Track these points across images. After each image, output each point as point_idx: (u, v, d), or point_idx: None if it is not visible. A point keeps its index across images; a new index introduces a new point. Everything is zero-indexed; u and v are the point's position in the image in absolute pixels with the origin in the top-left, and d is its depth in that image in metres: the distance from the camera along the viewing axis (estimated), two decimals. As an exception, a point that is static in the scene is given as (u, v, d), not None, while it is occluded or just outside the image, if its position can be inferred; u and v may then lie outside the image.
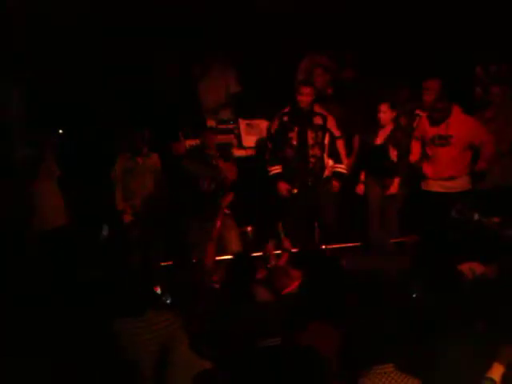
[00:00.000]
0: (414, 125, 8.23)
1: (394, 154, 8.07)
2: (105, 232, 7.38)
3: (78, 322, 4.92)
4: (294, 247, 7.00)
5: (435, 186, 7.95)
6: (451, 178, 7.86)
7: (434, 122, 7.88)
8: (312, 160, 8.14)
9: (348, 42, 9.35)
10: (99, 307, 5.15)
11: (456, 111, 7.86)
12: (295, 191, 8.10)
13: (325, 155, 8.19)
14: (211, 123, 7.47)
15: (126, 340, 4.73)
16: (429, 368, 4.43)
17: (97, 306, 5.20)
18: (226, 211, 7.58)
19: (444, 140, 7.82)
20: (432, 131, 7.87)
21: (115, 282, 5.45)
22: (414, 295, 5.32)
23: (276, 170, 8.20)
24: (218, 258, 6.82)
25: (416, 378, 4.16)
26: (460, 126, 7.81)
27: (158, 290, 5.67)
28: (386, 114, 8.03)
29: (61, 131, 8.04)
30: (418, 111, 8.31)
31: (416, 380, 4.15)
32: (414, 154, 8.06)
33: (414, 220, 7.94)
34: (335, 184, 8.21)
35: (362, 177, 8.28)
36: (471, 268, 5.63)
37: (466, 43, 9.01)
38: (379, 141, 8.11)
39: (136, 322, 4.81)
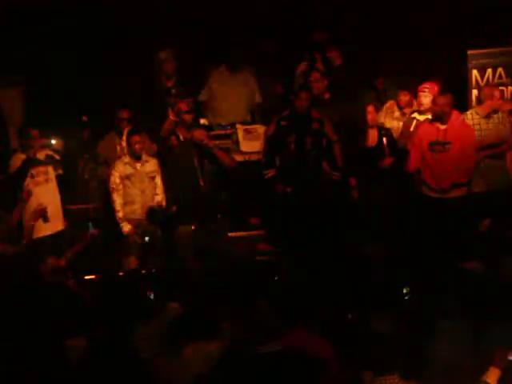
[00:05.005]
0: (411, 128, 8.23)
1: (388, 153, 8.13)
2: (92, 232, 7.39)
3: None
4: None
5: (431, 192, 7.94)
6: (450, 190, 7.86)
7: (434, 121, 7.89)
8: (310, 165, 8.18)
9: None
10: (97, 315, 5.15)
11: (454, 116, 7.88)
12: (289, 190, 8.13)
13: (323, 160, 8.23)
14: (204, 121, 7.54)
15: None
16: (424, 370, 4.46)
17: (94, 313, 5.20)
18: (219, 216, 7.63)
19: (442, 146, 7.83)
20: (431, 136, 7.86)
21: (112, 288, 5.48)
22: (406, 297, 5.36)
23: (271, 172, 8.24)
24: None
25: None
26: (457, 131, 7.83)
27: (151, 295, 5.69)
28: (372, 114, 8.12)
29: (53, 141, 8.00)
30: (414, 114, 8.33)
31: None
32: (414, 162, 7.98)
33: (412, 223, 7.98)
34: (327, 190, 8.21)
35: (353, 183, 8.26)
36: (474, 267, 5.69)
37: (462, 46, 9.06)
38: (371, 142, 8.16)
39: (139, 333, 4.82)
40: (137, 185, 7.93)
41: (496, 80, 8.83)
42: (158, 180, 8.02)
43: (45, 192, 7.73)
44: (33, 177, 7.67)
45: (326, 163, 8.25)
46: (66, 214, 7.96)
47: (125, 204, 7.91)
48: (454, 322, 4.72)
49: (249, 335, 4.52)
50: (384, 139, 8.18)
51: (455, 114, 7.90)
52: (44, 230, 7.69)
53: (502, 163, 8.15)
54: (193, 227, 7.60)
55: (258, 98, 9.33)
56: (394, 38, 9.47)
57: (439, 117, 7.81)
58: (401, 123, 8.53)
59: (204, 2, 9.29)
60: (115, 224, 7.87)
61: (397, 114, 8.73)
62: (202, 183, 7.77)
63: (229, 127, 8.99)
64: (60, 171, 7.84)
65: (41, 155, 7.77)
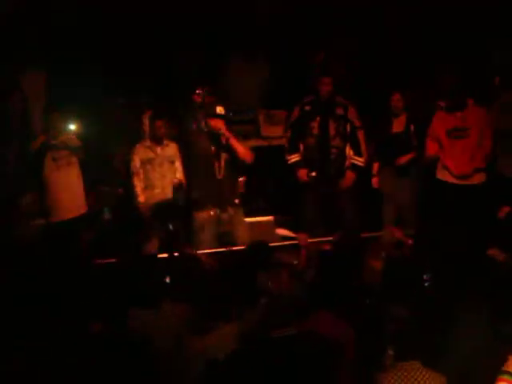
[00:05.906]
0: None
1: (414, 141, 8.08)
2: (106, 216, 7.40)
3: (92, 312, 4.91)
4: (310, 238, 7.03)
5: (452, 178, 7.91)
6: (471, 175, 7.83)
7: (450, 110, 7.84)
8: (334, 150, 8.17)
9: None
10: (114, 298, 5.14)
11: (470, 103, 7.85)
12: (313, 174, 8.13)
13: (347, 146, 8.20)
14: (220, 110, 7.53)
15: (141, 332, 4.72)
16: (443, 359, 4.42)
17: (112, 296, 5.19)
18: (236, 201, 7.61)
19: (461, 132, 7.80)
20: (448, 124, 7.83)
21: (130, 271, 5.48)
22: (426, 284, 5.33)
23: (295, 158, 8.24)
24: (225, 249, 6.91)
25: (442, 375, 4.13)
26: (475, 117, 7.82)
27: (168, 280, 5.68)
28: (399, 102, 8.06)
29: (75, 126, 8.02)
30: (439, 102, 8.27)
31: (442, 377, 4.13)
32: (430, 149, 7.98)
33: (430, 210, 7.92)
34: (350, 175, 8.19)
35: (375, 170, 8.25)
36: (497, 254, 5.64)
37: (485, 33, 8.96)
38: (395, 129, 8.11)
39: (151, 315, 4.81)
40: (157, 169, 7.93)
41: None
42: (178, 164, 8.00)
43: (66, 176, 7.79)
44: (55, 160, 7.74)
45: (349, 149, 8.22)
46: (98, 194, 8.06)
47: (145, 188, 7.92)
48: (474, 311, 4.67)
49: (265, 320, 4.52)
50: (411, 126, 8.13)
51: (470, 100, 7.86)
52: (66, 213, 7.75)
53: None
54: (212, 213, 7.57)
55: (270, 85, 9.29)
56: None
57: (456, 105, 7.80)
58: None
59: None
60: (136, 208, 7.88)
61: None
62: (218, 171, 7.71)
63: (252, 112, 8.99)
64: (81, 155, 7.88)
65: (64, 139, 7.82)
